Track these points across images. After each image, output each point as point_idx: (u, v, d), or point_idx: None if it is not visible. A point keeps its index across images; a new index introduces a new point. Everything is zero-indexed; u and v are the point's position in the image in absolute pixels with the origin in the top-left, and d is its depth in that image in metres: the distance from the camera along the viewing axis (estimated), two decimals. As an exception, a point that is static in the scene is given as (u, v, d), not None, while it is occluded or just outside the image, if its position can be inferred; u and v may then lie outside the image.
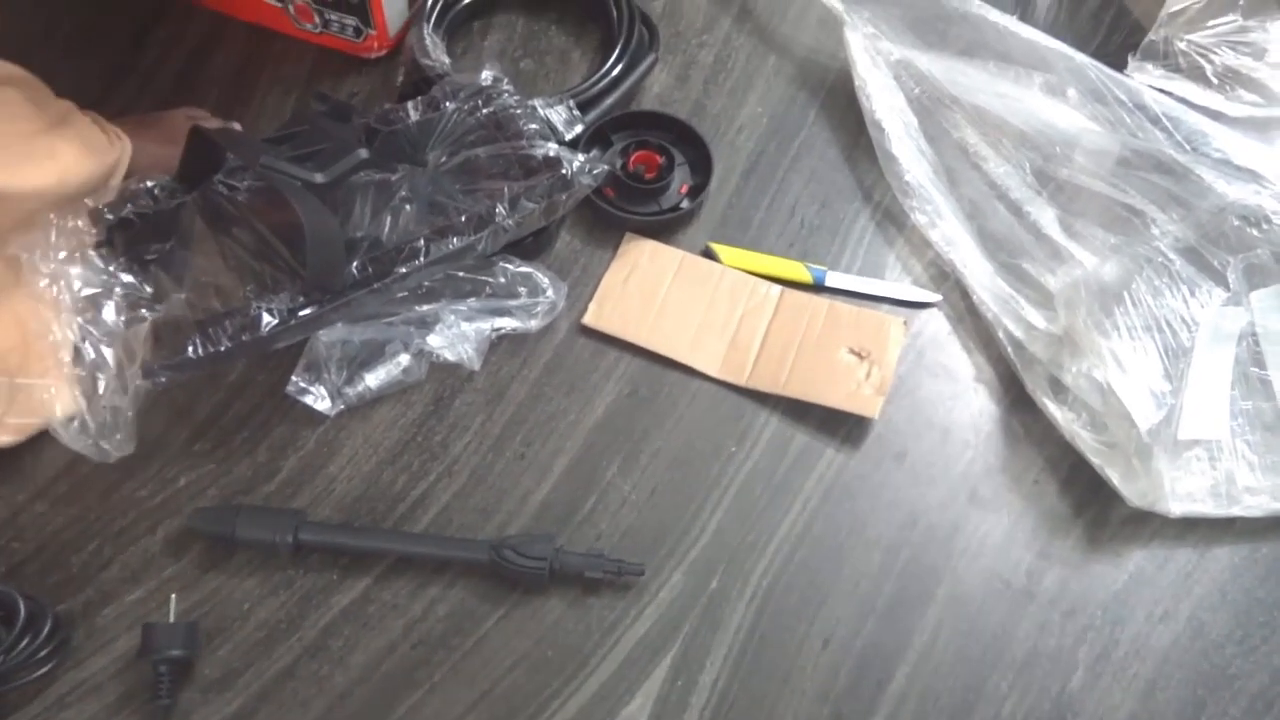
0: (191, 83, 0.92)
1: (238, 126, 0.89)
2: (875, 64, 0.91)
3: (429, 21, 0.91)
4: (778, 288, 0.85)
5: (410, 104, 0.80)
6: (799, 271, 0.86)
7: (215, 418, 0.78)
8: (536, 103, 0.83)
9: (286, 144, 0.76)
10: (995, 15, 0.88)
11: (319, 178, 0.74)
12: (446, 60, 0.89)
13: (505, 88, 0.82)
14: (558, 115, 0.86)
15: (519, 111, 0.81)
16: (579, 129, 0.86)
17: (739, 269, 0.86)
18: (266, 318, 0.72)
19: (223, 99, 0.91)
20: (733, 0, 1.00)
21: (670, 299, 0.84)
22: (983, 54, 0.89)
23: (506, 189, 0.78)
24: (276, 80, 0.93)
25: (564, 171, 0.79)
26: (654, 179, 0.87)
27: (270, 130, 0.79)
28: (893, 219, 0.89)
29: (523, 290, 0.81)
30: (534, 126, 0.81)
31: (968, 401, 0.82)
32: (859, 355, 0.82)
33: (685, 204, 0.88)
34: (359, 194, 0.77)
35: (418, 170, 0.79)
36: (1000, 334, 0.83)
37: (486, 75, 0.82)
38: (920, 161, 0.89)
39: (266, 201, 0.73)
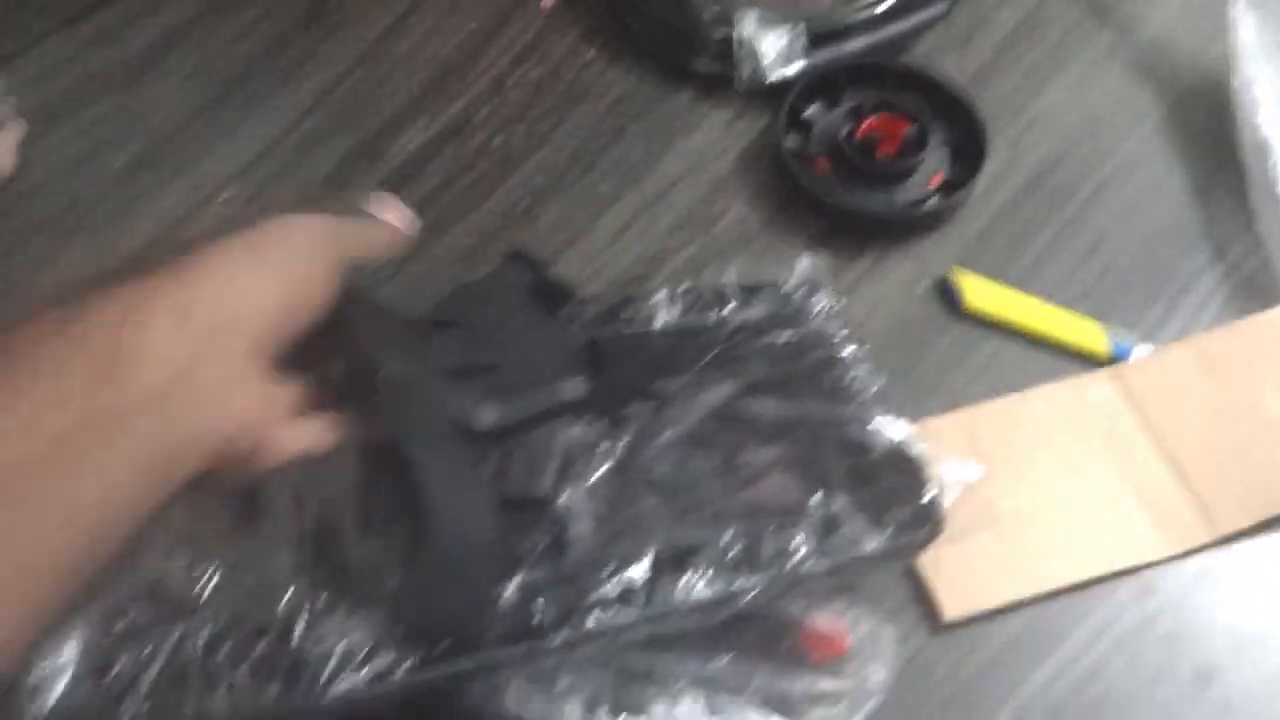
0: None
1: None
2: (1273, 60, 0.59)
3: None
4: (1107, 377, 0.53)
5: (664, 294, 0.48)
6: (1091, 336, 0.54)
7: None
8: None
9: (439, 334, 0.43)
10: None
11: (486, 418, 0.40)
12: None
13: (825, 299, 0.49)
14: (771, 42, 0.59)
15: (843, 355, 0.47)
16: (799, 66, 0.59)
17: (987, 315, 0.55)
18: (330, 664, 0.36)
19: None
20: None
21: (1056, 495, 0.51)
22: None
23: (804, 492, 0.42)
24: None
25: (923, 494, 0.43)
26: (893, 157, 0.58)
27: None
28: (1255, 290, 0.56)
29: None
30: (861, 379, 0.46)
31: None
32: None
33: (933, 201, 0.58)
34: (540, 454, 0.42)
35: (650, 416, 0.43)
36: None
37: (804, 265, 0.50)
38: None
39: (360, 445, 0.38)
